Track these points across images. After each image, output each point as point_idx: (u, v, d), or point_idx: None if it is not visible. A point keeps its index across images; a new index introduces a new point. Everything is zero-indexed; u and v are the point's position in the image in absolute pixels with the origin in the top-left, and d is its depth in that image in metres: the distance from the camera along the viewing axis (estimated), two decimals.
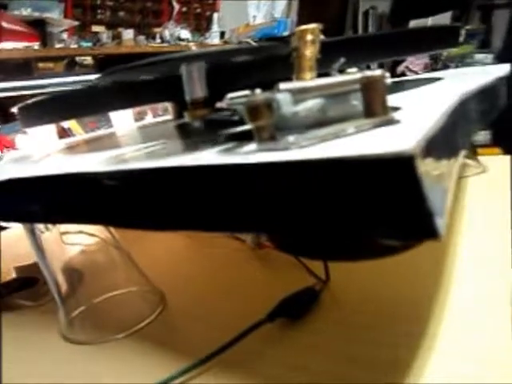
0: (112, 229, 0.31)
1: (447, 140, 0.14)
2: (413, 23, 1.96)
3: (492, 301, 0.24)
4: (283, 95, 0.13)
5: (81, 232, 0.30)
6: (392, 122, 0.13)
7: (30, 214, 0.20)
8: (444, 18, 1.86)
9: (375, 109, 0.14)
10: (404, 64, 1.87)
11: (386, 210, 0.10)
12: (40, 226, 0.28)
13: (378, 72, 0.14)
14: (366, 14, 2.28)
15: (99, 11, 2.53)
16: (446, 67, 1.61)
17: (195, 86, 0.20)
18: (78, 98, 0.27)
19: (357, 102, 0.15)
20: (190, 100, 0.20)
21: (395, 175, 0.10)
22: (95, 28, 2.21)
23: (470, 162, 0.44)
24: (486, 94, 0.25)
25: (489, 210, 0.34)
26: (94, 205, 0.17)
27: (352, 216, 0.11)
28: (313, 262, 0.30)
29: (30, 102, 0.31)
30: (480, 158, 0.44)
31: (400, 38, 0.24)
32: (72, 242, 0.30)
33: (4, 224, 0.67)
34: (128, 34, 2.02)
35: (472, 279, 0.27)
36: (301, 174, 0.11)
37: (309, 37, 0.19)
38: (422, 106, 0.17)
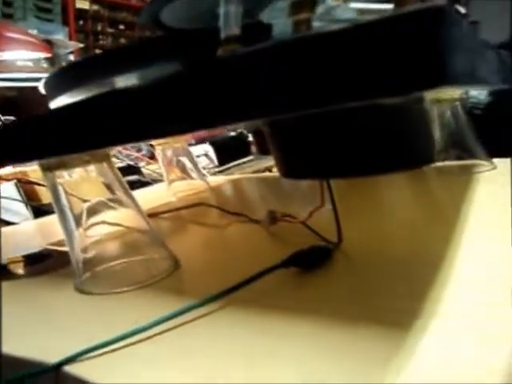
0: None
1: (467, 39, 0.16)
2: None
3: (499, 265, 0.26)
4: None
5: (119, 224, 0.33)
6: None
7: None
8: None
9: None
10: None
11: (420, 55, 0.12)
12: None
13: None
14: None
15: (101, 37, 2.67)
16: None
17: (231, 23, 0.23)
18: (111, 57, 0.29)
19: None
20: (224, 36, 0.23)
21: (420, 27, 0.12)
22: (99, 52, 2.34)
23: (482, 161, 0.50)
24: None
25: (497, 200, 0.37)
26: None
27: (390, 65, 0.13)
28: (325, 229, 0.32)
29: (55, 71, 0.34)
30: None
31: None
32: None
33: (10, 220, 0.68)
34: None
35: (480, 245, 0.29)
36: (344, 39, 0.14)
37: None
38: None
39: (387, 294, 0.23)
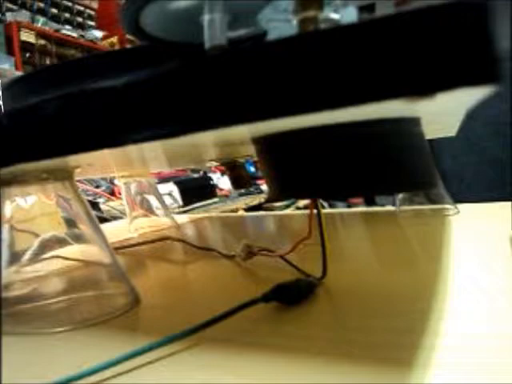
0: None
1: None
2: None
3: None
4: None
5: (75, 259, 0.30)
6: None
7: None
8: None
9: None
10: None
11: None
12: None
13: None
14: None
15: None
16: None
17: (216, 32, 0.22)
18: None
19: None
20: (209, 47, 0.22)
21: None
22: None
23: (447, 206, 0.52)
24: None
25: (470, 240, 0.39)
26: None
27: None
28: (305, 264, 0.31)
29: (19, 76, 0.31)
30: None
31: None
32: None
33: None
34: None
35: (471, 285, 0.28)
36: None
37: None
38: None
39: (380, 329, 0.22)
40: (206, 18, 0.22)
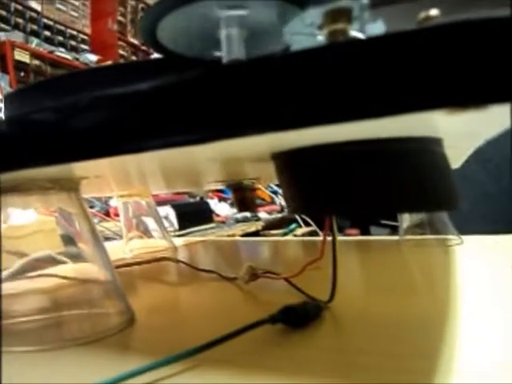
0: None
1: None
2: None
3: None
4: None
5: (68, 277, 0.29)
6: None
7: None
8: None
9: None
10: None
11: None
12: None
13: None
14: None
15: None
16: None
17: (233, 46, 0.22)
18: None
19: None
20: (227, 62, 0.22)
21: None
22: None
23: (451, 236, 0.52)
24: None
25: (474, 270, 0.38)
26: None
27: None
28: (310, 288, 0.30)
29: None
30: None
31: None
32: None
33: None
34: None
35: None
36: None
37: None
38: None
39: (391, 354, 0.21)
40: (223, 32, 0.22)
